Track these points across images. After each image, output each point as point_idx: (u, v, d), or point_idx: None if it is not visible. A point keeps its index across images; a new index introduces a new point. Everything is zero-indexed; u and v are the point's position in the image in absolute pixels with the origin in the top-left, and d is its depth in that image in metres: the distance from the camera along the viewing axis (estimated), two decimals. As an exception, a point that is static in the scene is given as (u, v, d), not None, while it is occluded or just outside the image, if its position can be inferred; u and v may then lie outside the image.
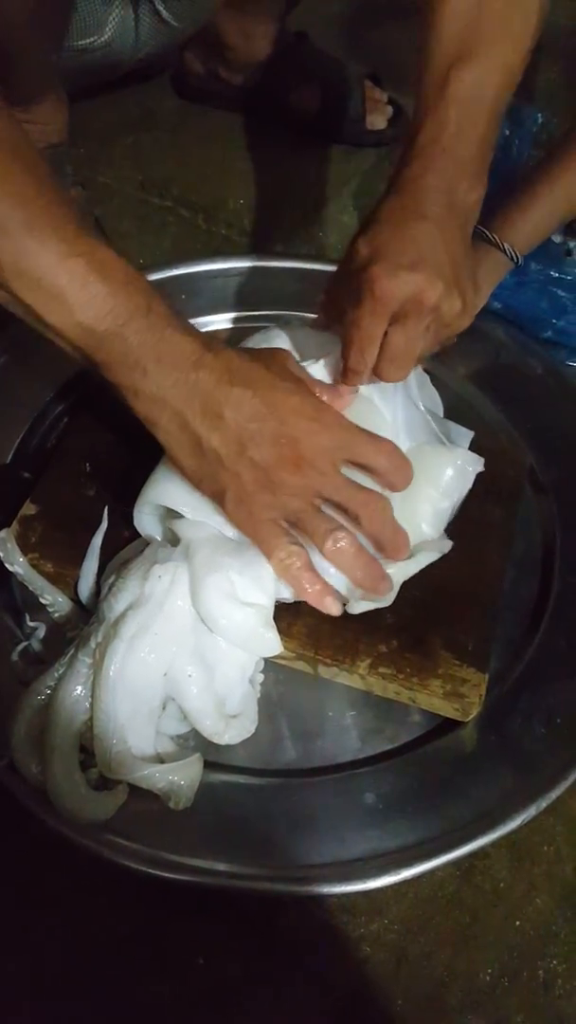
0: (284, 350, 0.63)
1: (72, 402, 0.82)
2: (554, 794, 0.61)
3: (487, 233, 0.79)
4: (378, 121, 1.21)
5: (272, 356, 0.61)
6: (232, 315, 0.92)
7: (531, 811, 0.61)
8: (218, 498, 0.59)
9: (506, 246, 0.79)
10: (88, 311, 0.54)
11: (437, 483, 0.67)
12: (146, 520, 0.65)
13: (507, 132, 1.00)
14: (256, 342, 0.68)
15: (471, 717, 0.65)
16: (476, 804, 0.61)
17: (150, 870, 0.57)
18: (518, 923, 0.63)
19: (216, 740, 0.61)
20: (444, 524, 0.68)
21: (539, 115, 1.02)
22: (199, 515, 0.62)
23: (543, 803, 0.61)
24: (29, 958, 0.60)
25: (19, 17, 0.85)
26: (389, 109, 1.22)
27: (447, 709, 0.65)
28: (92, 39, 1.00)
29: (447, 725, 0.66)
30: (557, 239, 0.92)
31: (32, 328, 0.58)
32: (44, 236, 0.54)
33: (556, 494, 0.79)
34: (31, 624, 0.67)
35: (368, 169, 1.19)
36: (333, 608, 0.61)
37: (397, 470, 0.60)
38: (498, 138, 0.95)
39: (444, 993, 0.60)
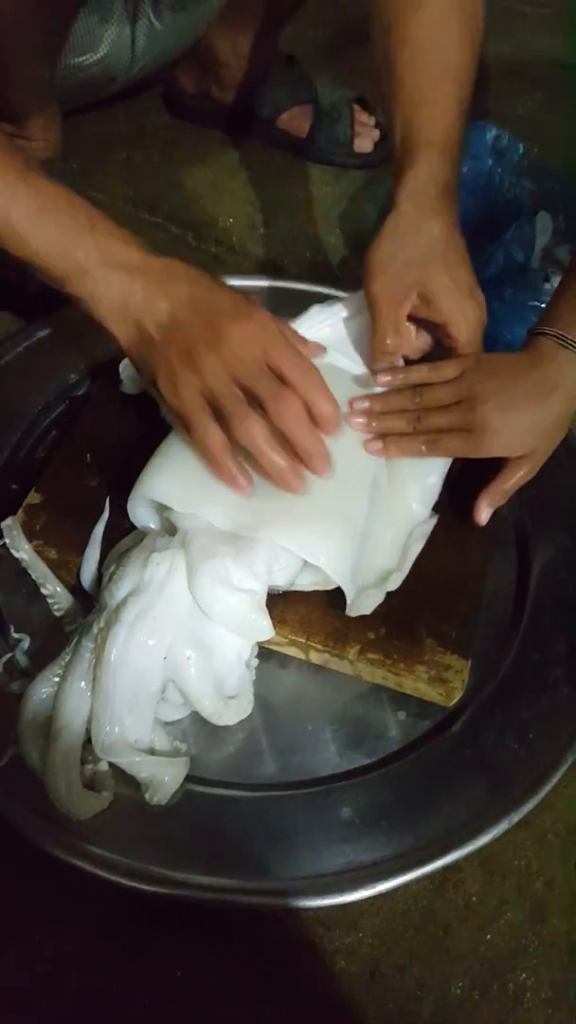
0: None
1: (71, 398, 0.85)
2: (525, 809, 0.63)
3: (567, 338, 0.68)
4: (365, 144, 1.23)
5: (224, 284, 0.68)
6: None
7: (503, 825, 0.62)
8: (154, 380, 0.64)
9: None
10: (40, 239, 0.63)
11: (420, 461, 0.71)
12: (140, 512, 0.67)
13: (490, 162, 1.02)
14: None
15: (454, 701, 0.66)
16: (450, 819, 0.62)
17: (128, 883, 0.58)
18: (489, 937, 0.64)
19: (216, 721, 0.63)
20: (433, 500, 0.72)
21: (521, 145, 1.04)
22: (187, 508, 0.64)
23: (515, 818, 0.62)
24: (7, 971, 0.60)
25: (14, 34, 0.87)
26: (376, 132, 1.24)
27: (431, 694, 0.66)
28: (87, 56, 1.02)
29: (423, 739, 0.67)
30: (535, 265, 0.94)
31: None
32: None
33: (530, 511, 0.81)
34: (15, 636, 0.68)
35: (355, 191, 1.21)
36: (244, 487, 0.62)
37: (309, 385, 0.62)
38: (482, 168, 0.98)
39: (416, 1006, 0.61)
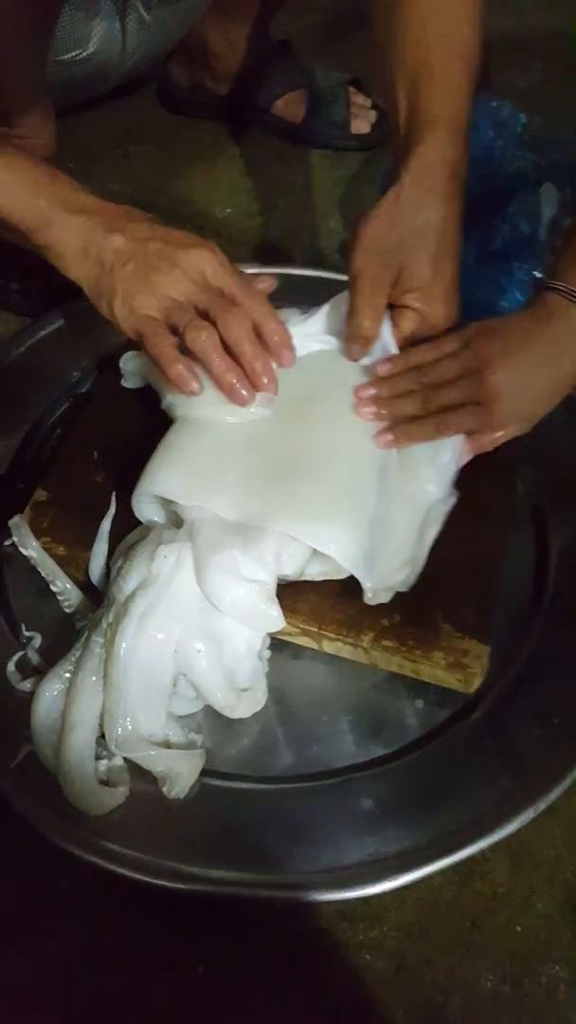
0: None
1: (75, 396, 0.85)
2: (552, 795, 0.61)
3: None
4: (362, 126, 1.22)
5: None
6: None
7: (529, 813, 0.60)
8: (109, 305, 0.68)
9: None
10: (7, 193, 0.69)
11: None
12: (146, 508, 0.66)
13: (491, 134, 1.00)
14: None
15: (474, 688, 0.65)
16: (474, 808, 0.61)
17: (145, 878, 0.57)
18: (519, 928, 0.62)
19: (229, 714, 0.62)
20: (449, 479, 0.69)
21: (522, 116, 1.02)
22: (191, 500, 0.63)
23: (541, 805, 0.61)
24: (29, 969, 0.59)
25: (1, 32, 0.86)
26: (372, 114, 1.22)
27: (450, 680, 0.65)
28: (77, 52, 1.01)
29: (443, 727, 0.65)
30: (542, 237, 0.92)
31: None
32: None
33: (548, 494, 0.79)
34: (27, 634, 0.68)
35: (353, 173, 1.20)
36: (192, 384, 0.65)
37: (257, 306, 0.67)
38: (483, 141, 0.96)
39: (445, 1001, 0.59)
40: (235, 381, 0.64)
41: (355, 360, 0.69)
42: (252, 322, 0.66)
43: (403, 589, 0.65)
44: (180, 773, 0.60)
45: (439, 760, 0.64)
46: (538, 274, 0.88)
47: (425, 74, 0.69)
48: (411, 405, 0.67)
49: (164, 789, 0.60)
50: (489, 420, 0.66)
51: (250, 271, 0.93)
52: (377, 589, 0.63)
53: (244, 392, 0.65)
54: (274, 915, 0.61)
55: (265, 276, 0.72)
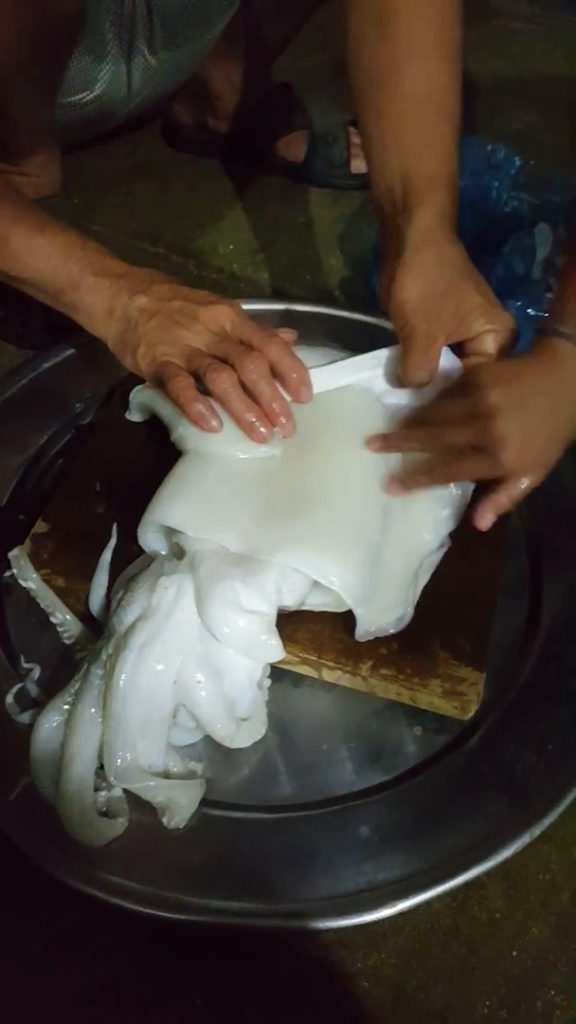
0: None
1: (77, 427, 0.86)
2: (547, 821, 0.62)
3: None
4: (361, 165, 1.24)
5: None
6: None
7: (525, 839, 0.61)
8: (132, 356, 0.72)
9: None
10: (39, 258, 0.74)
11: (437, 491, 0.70)
12: (151, 538, 0.67)
13: (487, 177, 1.03)
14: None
15: (470, 715, 0.66)
16: (470, 834, 0.62)
17: (145, 909, 0.58)
18: (515, 953, 0.62)
19: (228, 744, 0.62)
20: (446, 531, 0.70)
21: (517, 159, 1.05)
22: (201, 533, 0.64)
23: (536, 830, 0.61)
24: (28, 1000, 0.59)
25: (12, 75, 0.88)
26: (372, 154, 1.25)
27: (447, 708, 0.66)
28: (84, 94, 1.04)
29: (441, 754, 0.66)
30: (537, 277, 0.95)
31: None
32: None
33: (542, 521, 0.80)
34: (26, 666, 0.68)
35: (353, 211, 1.22)
36: (212, 422, 0.67)
37: (273, 348, 0.69)
38: (479, 183, 0.99)
39: (443, 1027, 0.60)
40: (254, 420, 0.67)
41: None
42: (270, 365, 0.69)
43: (395, 630, 0.66)
44: (180, 803, 0.60)
45: (436, 787, 0.64)
46: (532, 312, 0.90)
47: (420, 140, 0.71)
48: (417, 441, 0.68)
49: (164, 820, 0.60)
50: (497, 465, 0.65)
51: (252, 307, 0.96)
52: (370, 629, 0.64)
53: (263, 430, 0.67)
54: (272, 943, 0.62)
55: (287, 329, 0.75)
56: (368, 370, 0.73)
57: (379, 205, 0.73)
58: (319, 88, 1.33)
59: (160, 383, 0.70)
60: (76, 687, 0.63)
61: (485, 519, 0.67)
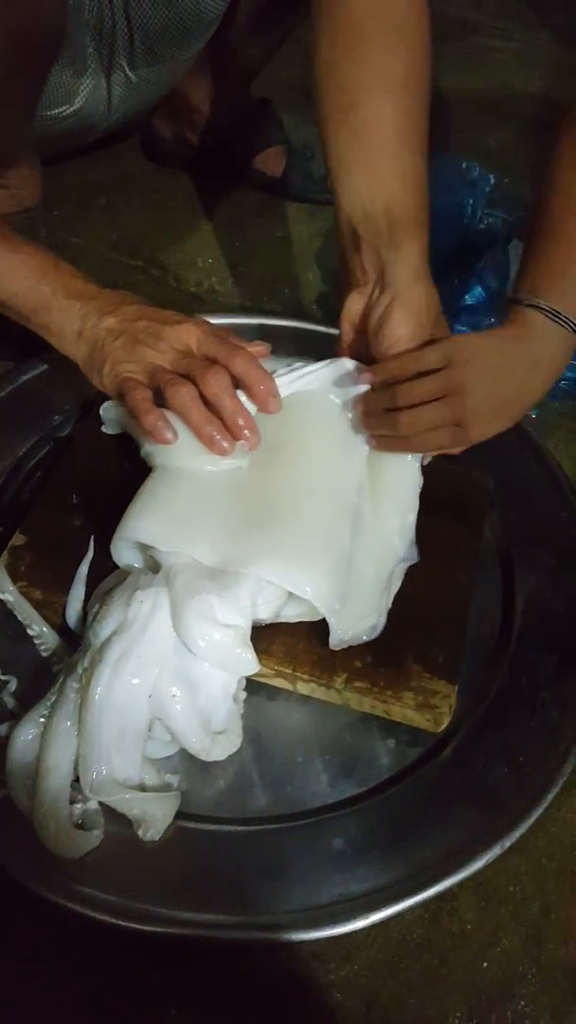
0: None
1: (55, 440, 0.86)
2: (518, 833, 0.63)
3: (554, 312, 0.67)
4: (340, 181, 1.25)
5: None
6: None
7: (496, 851, 0.62)
8: (99, 375, 0.73)
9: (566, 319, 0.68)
10: (12, 279, 0.74)
11: (401, 496, 0.71)
12: (124, 554, 0.68)
13: (462, 194, 1.04)
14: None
15: (442, 727, 0.66)
16: (442, 845, 0.62)
17: (119, 922, 0.58)
18: (486, 964, 0.63)
19: (204, 757, 0.63)
20: (410, 538, 0.72)
21: (491, 176, 1.06)
22: (172, 547, 0.64)
23: (507, 842, 0.62)
24: (1, 1012, 0.59)
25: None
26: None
27: (420, 720, 0.66)
28: (63, 108, 1.04)
29: (414, 766, 0.67)
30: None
31: None
32: None
33: (514, 534, 0.81)
34: (2, 678, 0.68)
35: (331, 227, 1.20)
36: (166, 433, 0.67)
37: (238, 360, 0.69)
38: (454, 200, 1.00)
39: (414, 1037, 0.60)
40: (215, 433, 0.67)
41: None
42: (235, 377, 0.69)
43: (368, 638, 0.67)
44: (155, 816, 0.60)
45: (409, 799, 0.65)
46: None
47: (399, 171, 0.71)
48: (386, 427, 0.69)
49: (140, 832, 0.60)
50: (464, 438, 0.68)
51: (229, 322, 0.97)
52: (344, 637, 0.65)
53: (224, 444, 0.67)
54: (245, 955, 0.62)
55: (259, 343, 0.74)
56: (326, 378, 0.73)
57: (350, 228, 0.72)
58: (298, 103, 1.33)
59: (121, 398, 0.71)
60: (52, 700, 0.63)
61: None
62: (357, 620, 0.67)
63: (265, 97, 1.26)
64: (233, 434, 0.68)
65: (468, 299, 0.95)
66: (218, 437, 0.67)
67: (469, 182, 1.06)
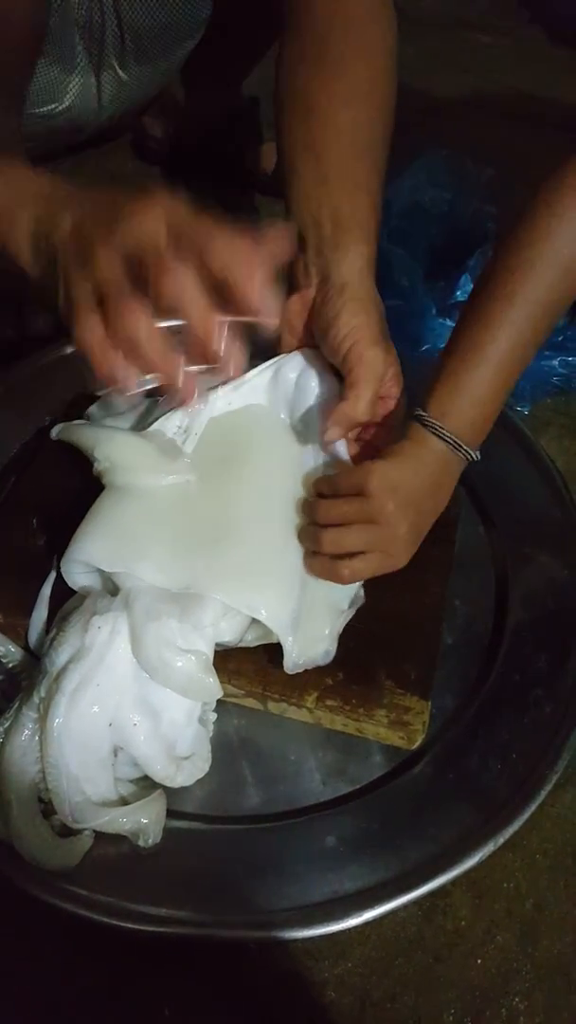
0: None
1: (17, 459, 0.84)
2: (511, 830, 0.62)
3: (449, 435, 0.65)
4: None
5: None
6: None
7: (489, 847, 0.62)
8: (56, 300, 0.58)
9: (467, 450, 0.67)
10: None
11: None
12: (77, 576, 0.66)
13: (452, 189, 1.04)
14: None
15: (416, 745, 0.66)
16: (436, 843, 0.62)
17: (113, 922, 0.58)
18: (480, 962, 0.63)
19: (169, 784, 0.61)
20: None
21: (482, 172, 1.06)
22: (115, 567, 0.63)
23: (501, 839, 0.62)
24: (-6, 1015, 0.60)
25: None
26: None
27: (392, 738, 0.66)
28: (53, 106, 1.04)
29: (407, 764, 0.67)
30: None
31: None
32: None
33: (507, 531, 0.81)
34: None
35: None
36: (128, 385, 0.53)
37: (224, 248, 0.53)
38: (444, 195, 1.00)
39: (409, 1035, 0.60)
40: (166, 368, 0.53)
41: (332, 441, 0.67)
42: (213, 273, 0.52)
43: (322, 663, 0.65)
44: (148, 822, 0.60)
45: (402, 797, 0.65)
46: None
47: (350, 182, 0.70)
48: (312, 540, 0.66)
49: (139, 843, 0.60)
50: (392, 565, 0.66)
51: (220, 318, 0.96)
52: (298, 661, 0.64)
53: (184, 391, 0.54)
54: (239, 954, 0.62)
55: (276, 232, 0.56)
56: (275, 390, 0.72)
57: (296, 233, 0.70)
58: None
59: (71, 323, 0.55)
60: (6, 725, 0.61)
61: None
62: (312, 644, 0.65)
63: (255, 96, 1.26)
64: (205, 358, 0.53)
65: (459, 294, 0.95)
66: (177, 376, 0.53)
67: (460, 177, 1.06)
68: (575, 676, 0.71)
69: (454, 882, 0.62)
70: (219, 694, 0.62)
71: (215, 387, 0.71)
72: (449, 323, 0.95)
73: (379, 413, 0.70)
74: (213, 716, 0.65)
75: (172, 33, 1.01)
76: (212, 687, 0.61)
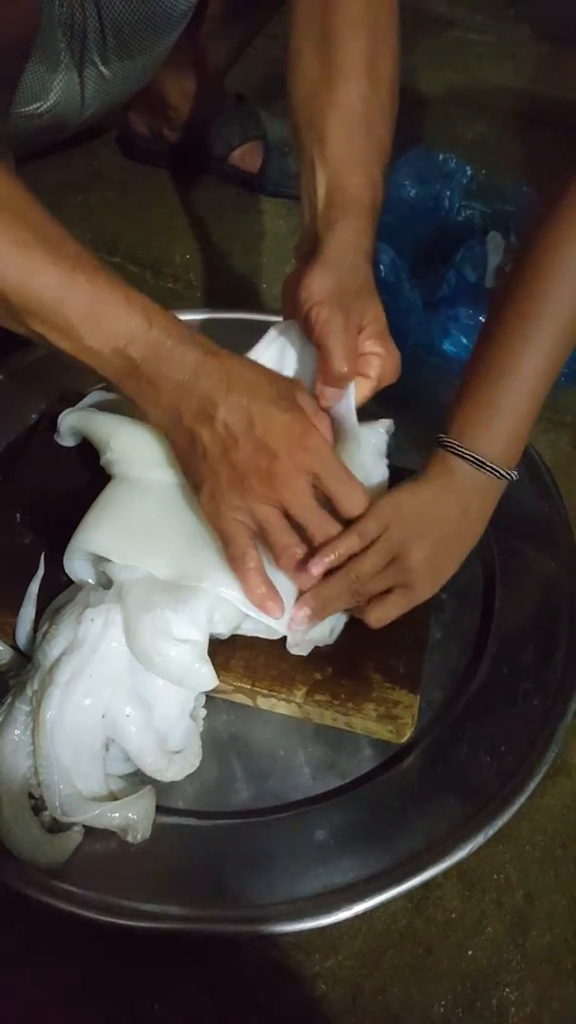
0: (300, 380, 0.67)
1: (1, 459, 0.83)
2: (500, 822, 0.63)
3: (477, 458, 0.65)
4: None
5: (283, 379, 0.65)
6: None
7: (479, 839, 0.62)
8: (197, 489, 0.64)
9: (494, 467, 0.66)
10: (94, 338, 0.60)
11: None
12: (77, 566, 0.66)
13: (439, 186, 1.04)
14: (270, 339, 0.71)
15: (405, 738, 0.66)
16: (425, 835, 0.62)
17: (103, 917, 0.58)
18: (471, 953, 0.63)
19: (159, 777, 0.62)
20: None
21: (469, 168, 1.06)
22: (127, 560, 0.63)
23: (490, 831, 0.62)
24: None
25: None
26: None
27: (382, 732, 0.66)
28: (37, 105, 1.03)
29: (396, 757, 0.67)
30: (489, 284, 0.96)
31: None
32: (45, 277, 0.60)
33: (494, 525, 0.81)
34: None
35: (309, 222, 1.22)
36: (274, 611, 0.62)
37: (355, 506, 0.63)
38: (431, 192, 1.00)
39: (400, 1027, 0.60)
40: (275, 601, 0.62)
41: (329, 407, 0.66)
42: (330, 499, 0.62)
43: (325, 644, 0.66)
44: (136, 818, 0.60)
45: (392, 790, 0.65)
46: (483, 319, 0.91)
47: (351, 158, 0.71)
48: (342, 602, 0.66)
49: (128, 838, 0.60)
50: (415, 598, 0.66)
51: (208, 317, 0.97)
52: (300, 640, 0.65)
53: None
54: (230, 948, 0.62)
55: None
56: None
57: (302, 211, 0.72)
58: (274, 98, 1.34)
59: (218, 535, 0.63)
60: None
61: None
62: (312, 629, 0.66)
63: (241, 92, 1.26)
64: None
65: (445, 290, 0.96)
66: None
67: (446, 174, 1.06)
68: (563, 669, 0.72)
69: (444, 874, 0.62)
70: (214, 683, 0.62)
71: None
72: (436, 317, 0.95)
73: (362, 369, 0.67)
74: (203, 712, 0.65)
75: (153, 27, 1.00)
76: (207, 675, 0.62)
